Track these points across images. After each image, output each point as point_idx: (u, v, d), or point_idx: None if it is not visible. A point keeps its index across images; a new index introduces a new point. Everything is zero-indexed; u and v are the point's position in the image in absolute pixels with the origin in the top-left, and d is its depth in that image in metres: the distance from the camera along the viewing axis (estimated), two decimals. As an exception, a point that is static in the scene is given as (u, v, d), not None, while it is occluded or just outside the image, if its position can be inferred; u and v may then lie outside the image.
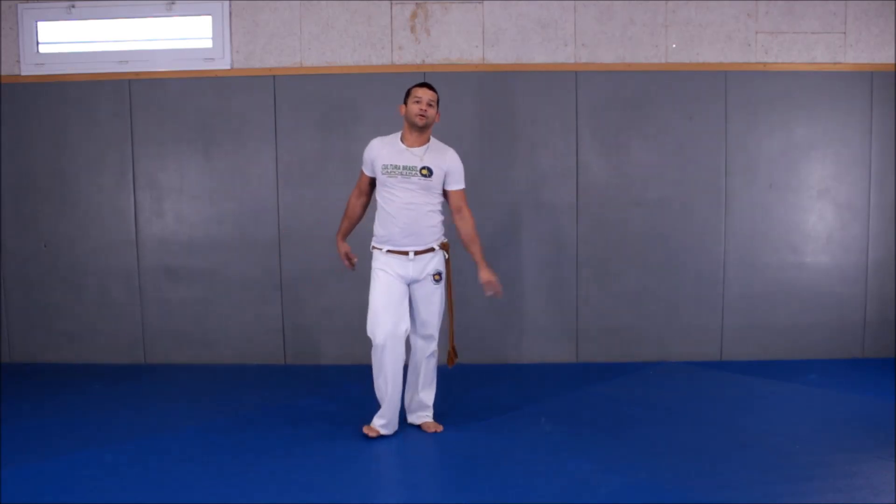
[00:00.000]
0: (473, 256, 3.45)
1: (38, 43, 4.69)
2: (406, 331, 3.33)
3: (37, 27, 4.68)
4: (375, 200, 3.45)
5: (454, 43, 4.60)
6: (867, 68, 4.59)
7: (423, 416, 3.50)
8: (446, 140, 4.58)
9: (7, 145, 4.72)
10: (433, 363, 3.49)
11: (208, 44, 4.65)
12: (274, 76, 4.60)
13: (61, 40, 4.71)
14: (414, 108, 3.32)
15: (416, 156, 3.34)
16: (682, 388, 4.19)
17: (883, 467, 2.96)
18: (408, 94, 3.38)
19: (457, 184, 3.44)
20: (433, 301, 3.41)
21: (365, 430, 3.37)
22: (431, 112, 3.33)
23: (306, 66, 4.62)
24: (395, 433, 3.40)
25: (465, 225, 3.45)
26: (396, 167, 3.33)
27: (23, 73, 4.68)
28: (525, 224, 4.65)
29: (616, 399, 3.98)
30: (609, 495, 2.77)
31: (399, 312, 3.31)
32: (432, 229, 3.39)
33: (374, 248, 3.43)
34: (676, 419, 3.62)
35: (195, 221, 4.72)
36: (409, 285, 3.38)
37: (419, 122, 3.31)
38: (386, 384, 3.31)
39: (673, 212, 4.65)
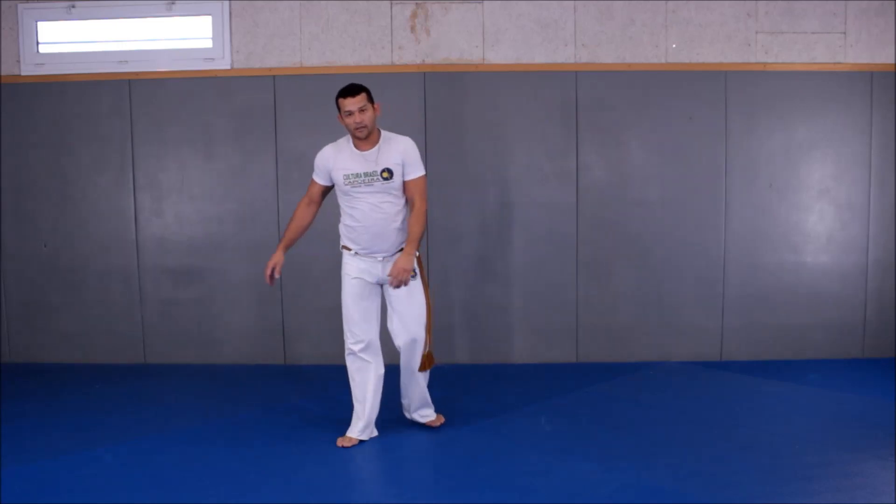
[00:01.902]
0: (409, 237, 3.26)
1: (38, 43, 4.69)
2: (377, 335, 3.31)
3: (37, 27, 4.68)
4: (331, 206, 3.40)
5: (454, 43, 4.60)
6: (867, 68, 4.59)
7: (425, 414, 3.47)
8: (447, 140, 4.62)
9: (7, 145, 4.72)
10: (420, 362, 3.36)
11: (208, 44, 4.65)
12: (274, 76, 4.60)
13: (61, 40, 4.71)
14: (348, 121, 3.18)
15: (373, 159, 3.23)
16: (682, 388, 4.19)
17: (883, 467, 2.96)
18: (337, 105, 3.23)
19: (415, 172, 3.27)
20: (413, 300, 3.29)
21: (340, 441, 3.27)
22: (367, 117, 3.17)
23: (306, 66, 4.62)
24: (392, 436, 3.39)
25: (412, 213, 3.28)
26: (357, 175, 3.22)
27: (23, 73, 4.68)
28: (525, 224, 4.65)
29: (616, 399, 3.98)
30: (609, 495, 2.77)
31: (372, 318, 3.30)
32: (400, 232, 3.28)
33: (343, 247, 3.35)
34: (676, 419, 3.62)
35: (195, 221, 4.72)
36: (381, 286, 3.33)
37: (360, 134, 3.20)
38: (364, 391, 3.27)
39: (673, 212, 4.65)
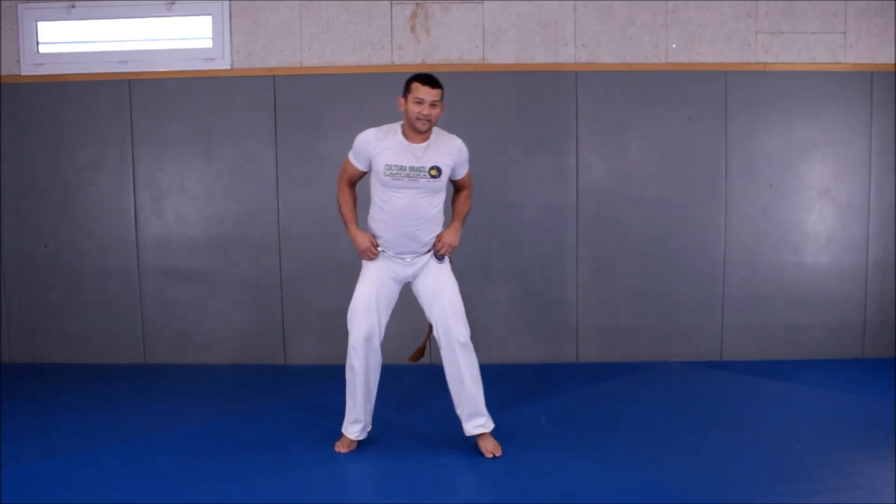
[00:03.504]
0: (457, 214, 3.23)
1: (38, 43, 4.69)
2: (380, 336, 3.14)
3: (37, 27, 4.68)
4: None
5: (454, 43, 4.60)
6: (867, 68, 4.59)
7: (478, 425, 3.13)
8: (446, 140, 4.61)
9: (7, 145, 4.72)
10: (470, 355, 3.12)
11: (208, 44, 4.65)
12: (274, 76, 4.60)
13: (61, 40, 4.71)
14: (415, 109, 2.98)
15: (422, 153, 3.05)
16: (682, 388, 4.19)
17: (883, 467, 2.96)
18: (407, 87, 3.02)
19: (465, 168, 3.21)
20: (444, 285, 3.09)
21: (338, 446, 3.21)
22: (436, 112, 3.01)
23: (306, 66, 4.62)
24: (392, 436, 3.39)
25: (461, 196, 3.28)
26: (402, 168, 3.01)
27: (23, 73, 4.68)
28: (525, 224, 4.65)
29: (616, 399, 3.98)
30: (609, 495, 2.77)
31: (380, 315, 3.12)
32: (435, 230, 3.14)
33: (369, 228, 3.20)
34: (676, 419, 3.62)
35: (195, 221, 4.72)
36: (407, 282, 3.21)
37: (421, 126, 3.00)
38: (363, 389, 3.14)
39: (673, 212, 4.65)
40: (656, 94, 4.60)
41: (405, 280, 3.20)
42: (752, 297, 4.68)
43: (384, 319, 3.17)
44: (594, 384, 4.23)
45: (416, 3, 4.59)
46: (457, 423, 3.50)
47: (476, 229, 4.65)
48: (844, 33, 4.59)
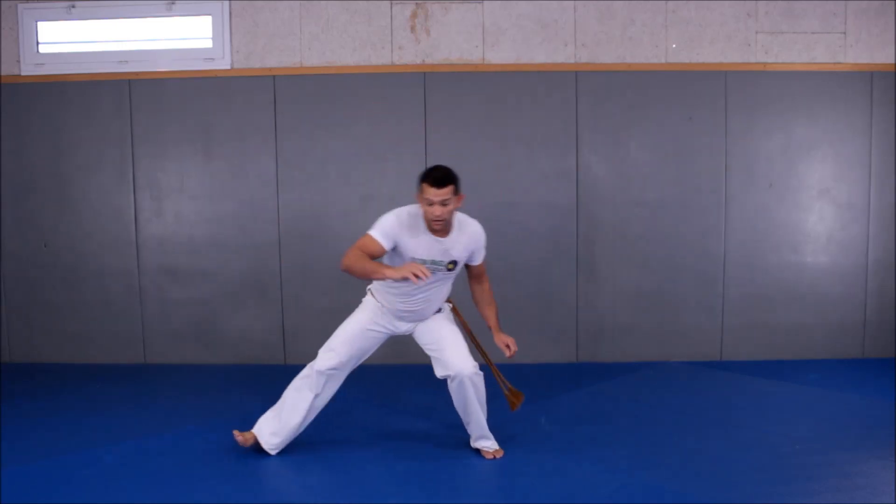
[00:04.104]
0: (488, 321, 3.23)
1: (38, 43, 4.69)
2: (345, 375, 3.12)
3: (37, 27, 4.68)
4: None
5: (454, 43, 4.60)
6: (867, 68, 4.59)
7: (485, 446, 3.18)
8: (447, 140, 4.61)
9: (7, 145, 4.72)
10: (480, 384, 3.11)
11: (208, 44, 4.65)
12: (274, 76, 4.60)
13: (61, 40, 4.71)
14: (426, 210, 2.92)
15: (445, 247, 3.00)
16: (682, 388, 4.19)
17: (883, 467, 2.96)
18: (419, 184, 2.93)
19: (481, 254, 3.18)
20: (445, 327, 3.14)
21: (241, 437, 3.14)
22: (448, 209, 2.92)
23: (306, 66, 4.62)
24: (393, 436, 3.39)
25: (483, 291, 3.26)
26: (423, 262, 2.96)
27: (23, 73, 4.68)
28: (525, 224, 4.64)
29: (616, 399, 3.98)
30: (609, 495, 2.77)
31: (354, 356, 3.10)
32: (441, 303, 3.19)
33: (370, 292, 3.20)
34: (676, 419, 3.62)
35: (195, 221, 4.72)
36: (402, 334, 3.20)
37: (436, 227, 2.94)
38: (291, 408, 3.11)
39: (673, 212, 4.64)
40: (656, 94, 4.60)
41: (395, 333, 3.19)
42: (752, 297, 4.67)
43: (358, 361, 3.15)
44: (594, 384, 4.23)
45: (416, 3, 4.59)
46: (455, 423, 3.50)
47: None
48: (844, 33, 4.59)
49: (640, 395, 4.05)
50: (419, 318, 3.16)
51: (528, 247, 4.66)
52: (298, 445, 3.28)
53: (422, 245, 2.98)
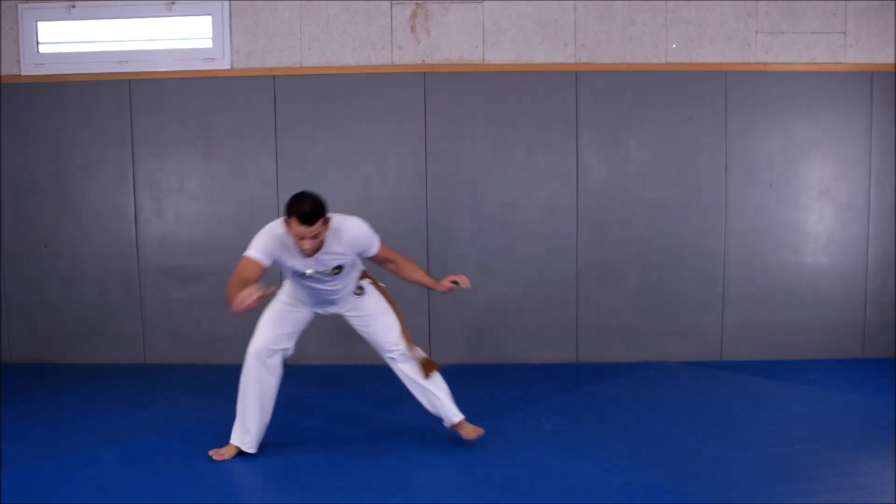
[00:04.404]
0: (421, 282, 3.22)
1: (38, 43, 4.69)
2: (283, 355, 3.15)
3: (37, 27, 4.68)
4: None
5: (454, 43, 4.60)
6: (867, 68, 4.59)
7: (451, 419, 3.23)
8: (447, 140, 4.61)
9: (7, 145, 4.72)
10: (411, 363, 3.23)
11: (208, 44, 4.65)
12: (274, 76, 4.60)
13: (61, 40, 4.71)
14: (296, 244, 2.88)
15: (321, 260, 2.99)
16: (682, 388, 4.19)
17: (883, 467, 2.96)
18: (287, 215, 2.87)
19: (372, 249, 3.09)
20: (371, 314, 3.20)
21: (215, 454, 3.12)
22: (317, 242, 2.90)
23: (306, 66, 4.62)
24: (395, 435, 3.39)
25: (400, 270, 3.19)
26: (304, 274, 3.01)
27: (23, 73, 4.68)
28: (525, 224, 4.65)
29: (616, 399, 3.98)
30: (609, 495, 2.77)
31: (281, 335, 3.13)
32: (352, 291, 3.20)
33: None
34: (676, 419, 3.62)
35: (195, 221, 4.72)
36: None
37: (305, 256, 2.93)
38: (245, 400, 3.14)
39: (673, 212, 4.65)
40: (656, 94, 4.60)
41: (321, 314, 3.24)
42: (752, 297, 4.67)
43: (290, 337, 3.18)
44: (594, 384, 4.23)
45: (416, 3, 4.59)
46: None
47: (475, 229, 4.66)
48: (844, 33, 4.59)
49: (640, 395, 4.05)
50: (334, 304, 3.19)
51: (528, 247, 4.66)
52: (298, 445, 3.29)
53: (292, 258, 2.97)
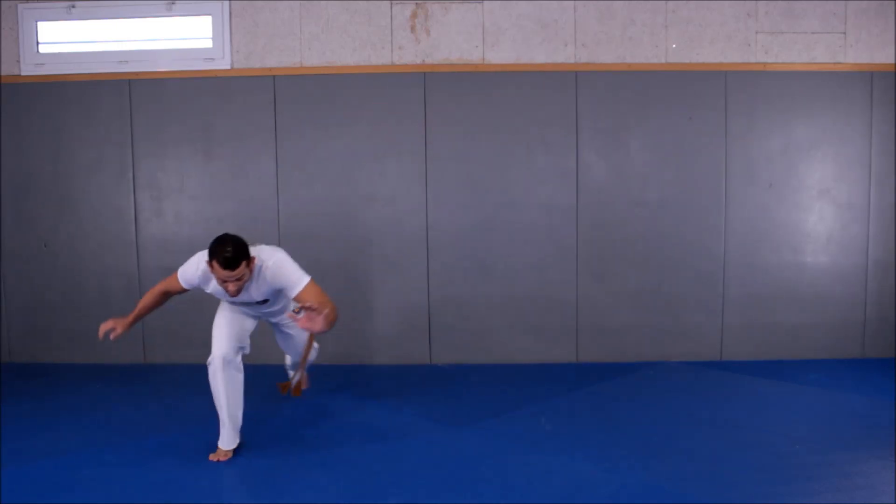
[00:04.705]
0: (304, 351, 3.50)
1: (38, 43, 4.69)
2: (242, 353, 3.26)
3: (37, 27, 4.68)
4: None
5: (454, 43, 4.60)
6: (867, 68, 4.59)
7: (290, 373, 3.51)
8: (447, 140, 4.61)
9: (7, 145, 4.72)
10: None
11: (208, 44, 4.65)
12: (274, 76, 4.60)
13: (61, 40, 4.71)
14: (224, 287, 3.00)
15: (246, 293, 3.10)
16: (682, 388, 4.19)
17: (883, 467, 2.96)
18: (210, 257, 2.98)
19: (296, 288, 3.08)
20: (295, 334, 3.54)
21: (214, 457, 3.15)
22: (242, 283, 2.99)
23: (306, 66, 4.62)
24: (395, 435, 3.39)
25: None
26: (233, 302, 3.21)
27: (23, 73, 4.68)
28: (525, 224, 4.64)
29: (616, 399, 3.98)
30: (609, 495, 2.77)
31: (237, 337, 3.24)
32: (283, 314, 3.44)
33: None
34: (676, 419, 3.62)
35: (195, 221, 4.72)
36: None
37: (230, 298, 3.10)
38: (226, 404, 3.17)
39: (673, 212, 4.65)
40: (656, 94, 4.60)
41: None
42: (752, 297, 4.67)
43: (244, 338, 3.31)
44: (594, 384, 4.23)
45: (416, 3, 4.59)
46: (457, 423, 3.51)
47: (475, 229, 4.66)
48: (844, 33, 4.59)
49: (640, 395, 4.05)
50: (269, 317, 3.44)
51: (528, 247, 4.66)
52: (298, 445, 3.29)
53: (216, 287, 3.11)
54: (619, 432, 3.44)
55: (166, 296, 3.31)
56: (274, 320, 3.48)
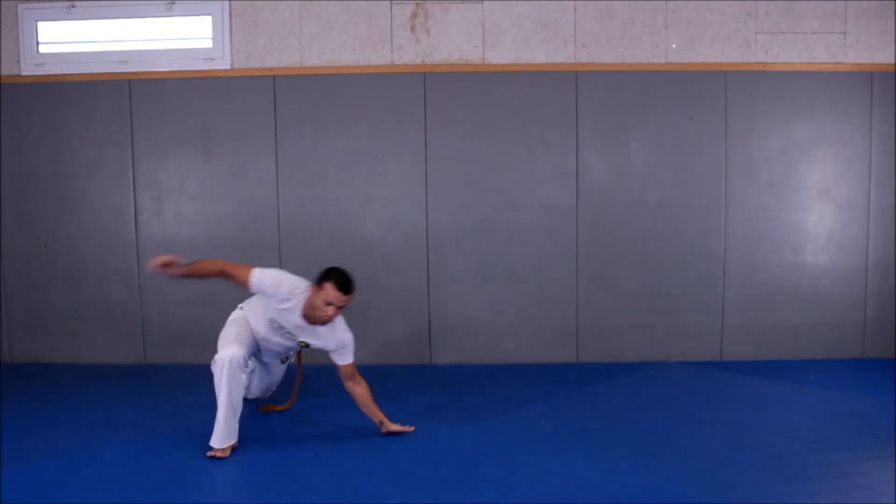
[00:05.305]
0: (374, 417, 3.36)
1: (38, 43, 4.69)
2: (248, 362, 3.26)
3: (37, 27, 4.68)
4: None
5: (454, 43, 4.60)
6: (867, 68, 4.59)
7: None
8: (447, 140, 4.62)
9: (7, 145, 4.72)
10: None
11: (208, 44, 4.65)
12: (274, 76, 4.60)
13: (61, 40, 4.71)
14: (321, 308, 3.12)
15: (307, 331, 3.28)
16: (682, 388, 4.19)
17: (883, 467, 2.96)
18: (322, 280, 3.17)
19: (345, 358, 3.32)
20: (274, 373, 3.68)
21: (211, 454, 3.14)
22: (339, 312, 3.19)
23: (306, 66, 4.62)
24: (396, 437, 3.39)
25: (361, 390, 3.34)
26: (283, 328, 3.30)
27: (23, 73, 4.68)
28: (525, 224, 4.65)
29: (616, 399, 3.98)
30: (609, 495, 2.77)
31: (247, 345, 3.28)
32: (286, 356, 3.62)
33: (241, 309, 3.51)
34: (676, 419, 3.62)
35: (195, 221, 4.72)
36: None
37: (320, 322, 3.20)
38: (230, 401, 3.16)
39: (673, 212, 4.65)
40: (656, 94, 4.60)
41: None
42: (752, 297, 4.68)
43: (253, 349, 3.38)
44: (594, 384, 4.23)
45: (416, 3, 4.59)
46: (458, 423, 3.50)
47: (475, 229, 4.66)
48: (844, 33, 4.59)
49: (640, 395, 4.05)
50: (268, 353, 3.53)
51: (528, 247, 4.66)
52: (298, 445, 3.29)
53: (285, 315, 3.24)
54: (619, 432, 3.44)
55: (222, 276, 3.24)
56: (274, 360, 3.62)
